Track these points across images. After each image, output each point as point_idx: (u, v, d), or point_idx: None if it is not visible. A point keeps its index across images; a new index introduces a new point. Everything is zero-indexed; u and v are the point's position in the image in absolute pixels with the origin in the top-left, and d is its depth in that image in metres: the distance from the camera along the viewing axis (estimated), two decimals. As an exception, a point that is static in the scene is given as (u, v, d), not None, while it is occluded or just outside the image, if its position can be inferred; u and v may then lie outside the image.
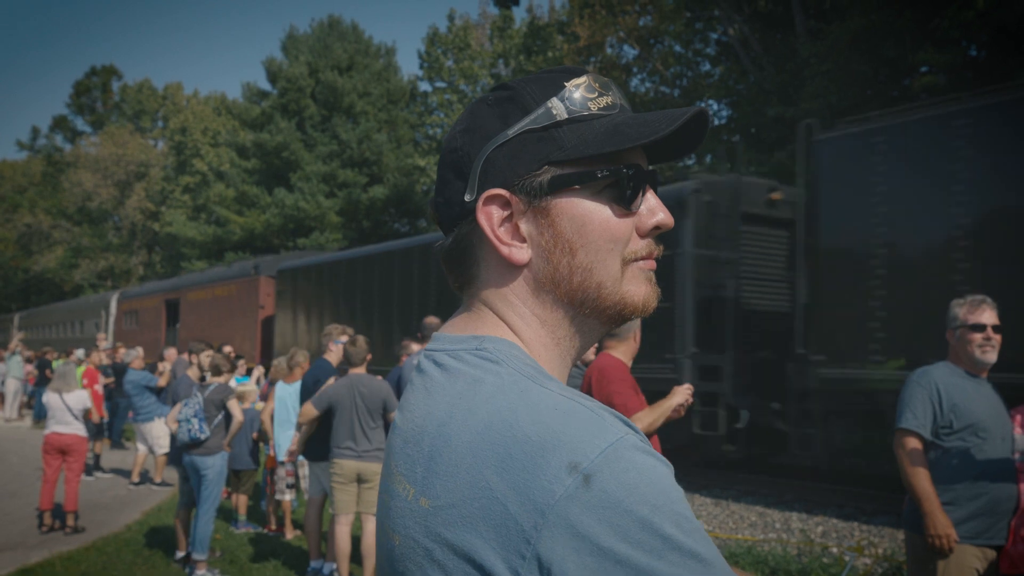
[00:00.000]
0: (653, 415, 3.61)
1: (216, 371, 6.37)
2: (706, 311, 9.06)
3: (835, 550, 6.33)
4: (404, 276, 13.71)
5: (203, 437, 5.97)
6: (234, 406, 6.22)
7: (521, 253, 0.83)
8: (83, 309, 29.72)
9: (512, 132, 0.81)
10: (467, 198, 0.83)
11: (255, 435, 7.59)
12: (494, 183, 0.82)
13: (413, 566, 0.73)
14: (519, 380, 0.75)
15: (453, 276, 0.89)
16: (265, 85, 33.69)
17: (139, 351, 10.72)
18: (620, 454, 0.67)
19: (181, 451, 6.18)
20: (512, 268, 0.84)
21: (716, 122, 20.09)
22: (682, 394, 3.71)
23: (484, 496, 0.68)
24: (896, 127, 7.82)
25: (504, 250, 0.82)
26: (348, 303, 15.12)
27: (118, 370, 12.02)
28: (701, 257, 9.07)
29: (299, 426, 5.96)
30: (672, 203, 8.99)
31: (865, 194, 7.84)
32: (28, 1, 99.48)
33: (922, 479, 3.13)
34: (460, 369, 0.79)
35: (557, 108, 0.81)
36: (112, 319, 25.85)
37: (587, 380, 3.81)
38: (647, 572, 0.63)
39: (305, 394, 6.13)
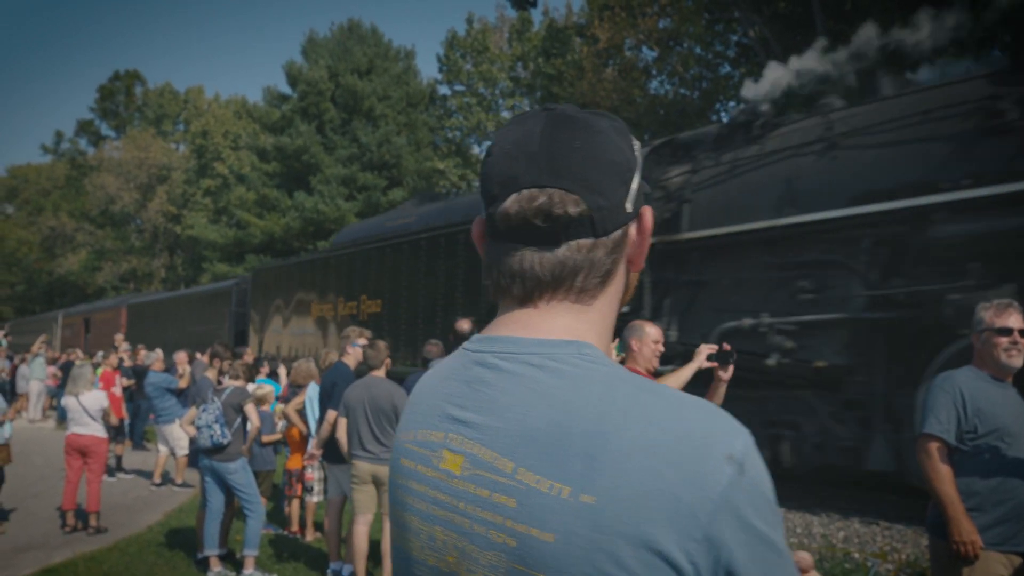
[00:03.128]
0: (677, 381, 3.73)
1: (234, 374, 6.39)
2: (242, 339, 18.00)
3: (857, 556, 6.26)
4: (198, 316, 21.28)
5: (225, 442, 5.95)
6: (251, 411, 6.19)
7: None
8: (43, 321, 39.15)
9: (639, 159, 0.92)
10: (628, 208, 0.90)
11: (273, 437, 7.59)
12: (645, 199, 0.93)
13: (579, 561, 0.75)
14: (644, 382, 0.83)
15: (550, 282, 0.88)
16: (285, 89, 33.91)
17: (158, 353, 10.79)
18: (752, 445, 0.78)
19: (199, 453, 6.20)
20: (627, 277, 0.95)
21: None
22: (704, 352, 3.77)
23: (658, 488, 0.74)
24: None
25: (644, 262, 0.94)
26: (161, 333, 22.71)
27: (139, 372, 12.12)
28: (238, 314, 18.97)
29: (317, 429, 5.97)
30: (221, 293, 20.25)
31: None
32: (53, 6, 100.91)
33: (946, 484, 3.08)
34: (576, 373, 0.83)
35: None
36: (60, 329, 35.29)
37: None
38: (773, 543, 0.76)
39: (323, 396, 6.15)
